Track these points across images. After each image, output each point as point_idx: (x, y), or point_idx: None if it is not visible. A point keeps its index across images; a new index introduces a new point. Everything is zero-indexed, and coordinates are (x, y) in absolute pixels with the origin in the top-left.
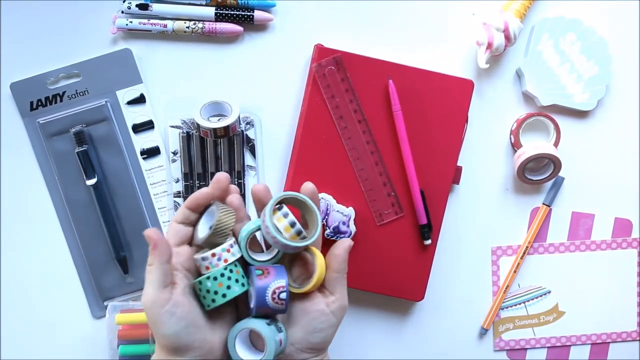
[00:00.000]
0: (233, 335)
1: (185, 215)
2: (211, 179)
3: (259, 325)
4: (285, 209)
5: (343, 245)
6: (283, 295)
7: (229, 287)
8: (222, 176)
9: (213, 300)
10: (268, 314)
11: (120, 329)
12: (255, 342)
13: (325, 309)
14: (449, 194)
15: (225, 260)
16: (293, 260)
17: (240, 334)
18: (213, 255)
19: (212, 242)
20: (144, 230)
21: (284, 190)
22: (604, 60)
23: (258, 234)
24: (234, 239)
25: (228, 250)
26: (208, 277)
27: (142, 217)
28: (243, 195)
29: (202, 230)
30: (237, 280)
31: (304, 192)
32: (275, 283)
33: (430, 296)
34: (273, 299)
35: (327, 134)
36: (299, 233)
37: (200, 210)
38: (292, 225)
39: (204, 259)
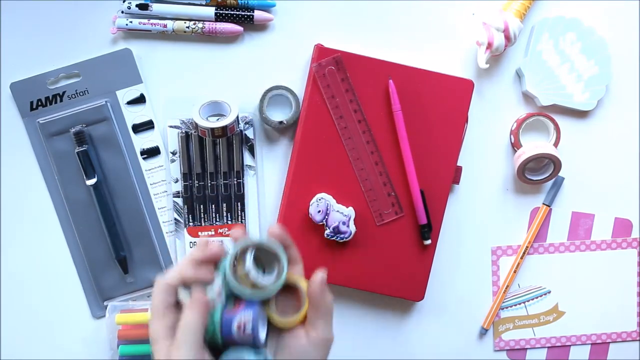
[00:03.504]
0: None
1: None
2: (210, 179)
3: (246, 355)
4: (247, 255)
5: (315, 281)
6: (248, 328)
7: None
8: (202, 240)
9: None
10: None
11: (120, 329)
12: None
13: (306, 344)
14: (449, 194)
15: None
16: (282, 291)
17: None
18: None
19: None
20: (142, 232)
21: (282, 195)
22: (604, 60)
23: None
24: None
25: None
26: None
27: (142, 217)
28: (242, 195)
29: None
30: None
31: (270, 236)
32: (242, 315)
33: (430, 296)
34: (239, 329)
35: (327, 134)
36: (252, 285)
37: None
38: (247, 274)
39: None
